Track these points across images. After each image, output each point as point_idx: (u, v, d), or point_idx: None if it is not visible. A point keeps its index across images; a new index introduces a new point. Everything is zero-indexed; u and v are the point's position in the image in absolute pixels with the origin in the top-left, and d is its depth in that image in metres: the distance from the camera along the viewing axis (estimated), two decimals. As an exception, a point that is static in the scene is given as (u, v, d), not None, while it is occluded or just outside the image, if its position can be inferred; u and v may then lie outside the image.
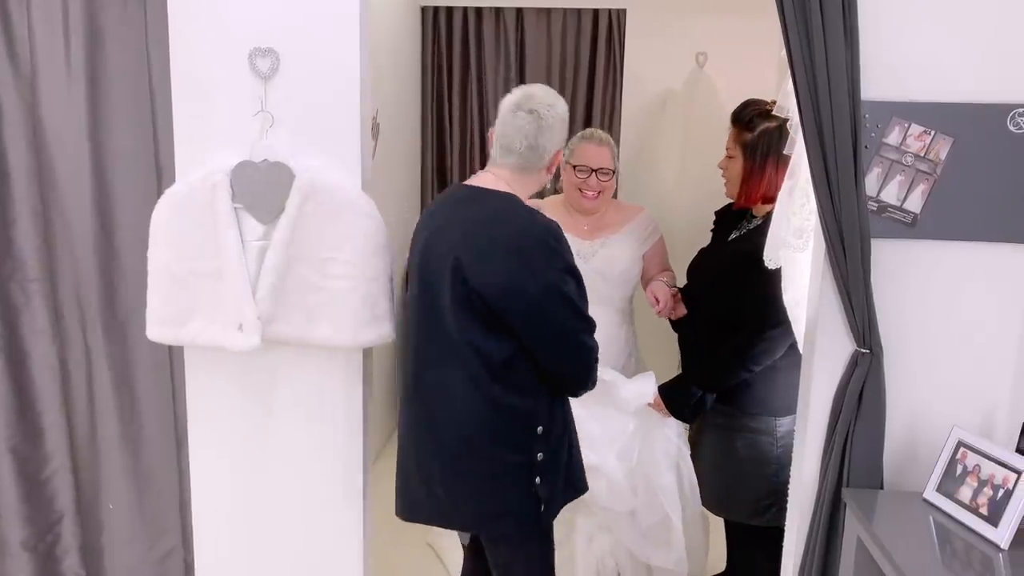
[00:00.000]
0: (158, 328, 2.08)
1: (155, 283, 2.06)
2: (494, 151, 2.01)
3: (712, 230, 2.64)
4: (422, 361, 1.97)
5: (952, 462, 1.76)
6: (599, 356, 2.00)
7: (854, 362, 1.86)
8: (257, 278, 2.00)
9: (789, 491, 2.10)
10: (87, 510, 2.51)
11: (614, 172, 2.66)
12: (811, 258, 1.98)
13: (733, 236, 2.48)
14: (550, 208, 2.67)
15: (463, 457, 1.93)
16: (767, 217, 2.27)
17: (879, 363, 1.83)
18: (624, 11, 4.16)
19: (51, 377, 2.42)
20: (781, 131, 2.29)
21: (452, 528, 2.09)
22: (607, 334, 2.50)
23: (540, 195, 2.69)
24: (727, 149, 2.46)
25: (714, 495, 2.57)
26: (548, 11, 4.21)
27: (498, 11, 4.23)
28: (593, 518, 2.60)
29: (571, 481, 2.06)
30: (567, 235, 2.43)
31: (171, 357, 2.37)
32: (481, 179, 2.00)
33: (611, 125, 4.26)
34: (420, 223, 2.06)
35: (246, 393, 2.20)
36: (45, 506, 2.48)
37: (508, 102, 1.98)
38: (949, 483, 1.75)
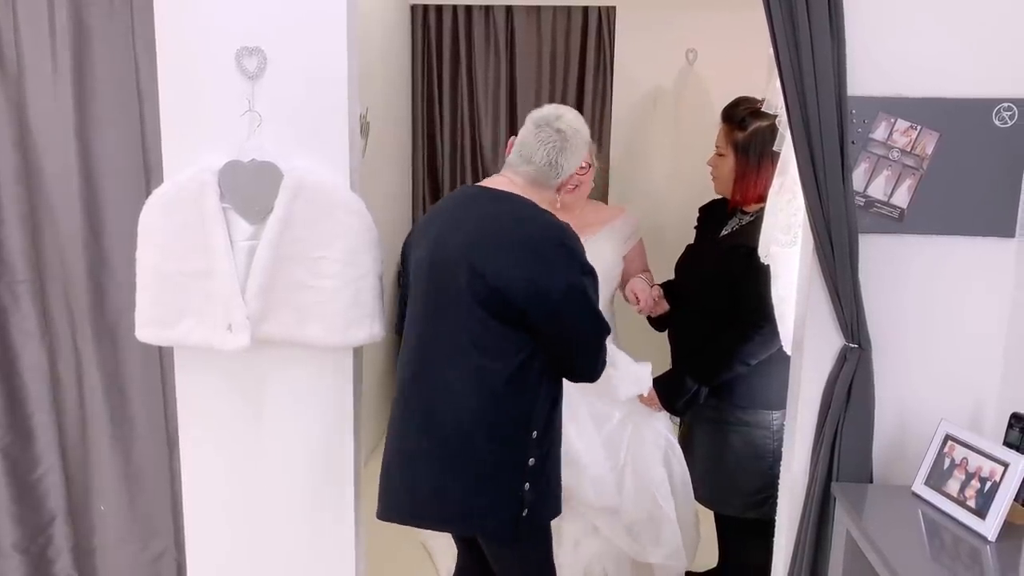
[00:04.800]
0: (147, 329, 2.08)
1: (144, 284, 2.05)
2: (512, 157, 2.01)
3: (696, 227, 2.64)
4: (426, 357, 1.96)
5: (940, 455, 1.77)
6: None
7: (843, 357, 1.87)
8: (246, 278, 2.00)
9: (779, 485, 2.11)
10: (79, 511, 2.51)
11: (591, 167, 2.62)
12: (799, 254, 1.98)
13: (725, 232, 2.48)
14: None
15: (458, 453, 1.92)
16: (759, 213, 2.28)
17: (867, 358, 1.84)
18: (614, 8, 4.17)
19: (41, 378, 2.41)
20: (773, 129, 2.28)
21: (427, 527, 2.10)
22: None
23: None
24: (717, 147, 2.44)
25: (710, 489, 2.57)
26: (538, 9, 4.22)
27: (488, 9, 4.23)
28: (579, 522, 2.58)
29: (555, 494, 2.06)
30: None
31: (161, 358, 2.36)
32: (496, 182, 2.01)
33: (602, 123, 4.27)
34: (427, 219, 2.06)
35: (237, 393, 2.20)
36: (37, 507, 2.48)
37: (537, 115, 2.00)
38: (937, 476, 1.76)
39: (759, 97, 2.31)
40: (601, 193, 4.28)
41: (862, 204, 1.83)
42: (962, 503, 1.69)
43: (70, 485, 2.49)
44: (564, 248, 1.89)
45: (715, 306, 2.41)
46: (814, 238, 1.82)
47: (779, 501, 2.10)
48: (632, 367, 2.49)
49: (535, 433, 1.93)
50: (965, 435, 1.74)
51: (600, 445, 2.49)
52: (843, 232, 1.77)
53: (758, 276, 2.18)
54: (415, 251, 2.02)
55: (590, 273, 1.92)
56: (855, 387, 1.85)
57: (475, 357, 1.89)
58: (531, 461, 1.93)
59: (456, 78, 4.37)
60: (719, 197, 2.57)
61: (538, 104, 4.14)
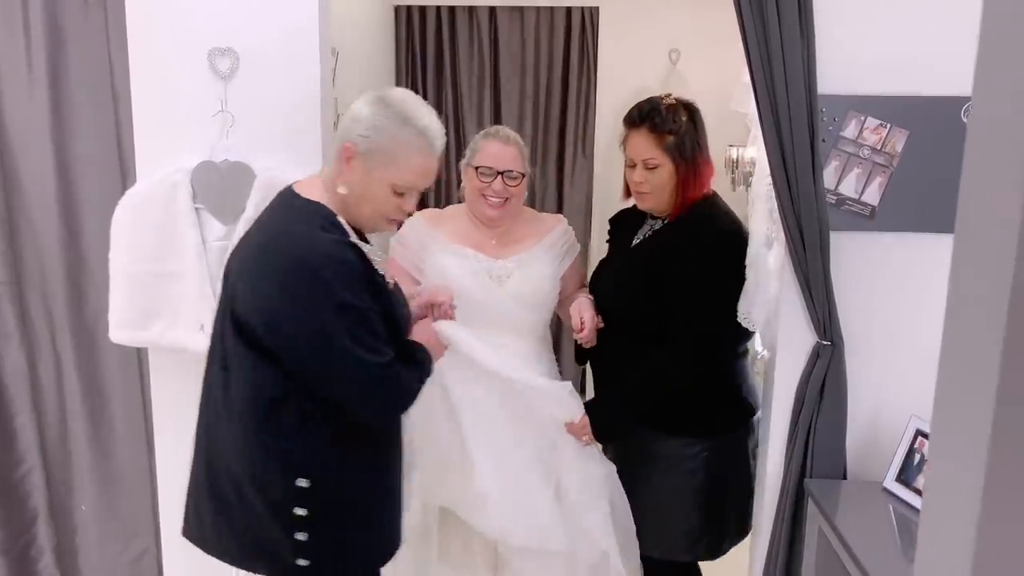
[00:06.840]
0: (121, 330, 2.07)
1: (117, 285, 2.05)
2: None
3: (608, 240, 2.37)
4: (207, 379, 1.72)
5: (911, 451, 1.78)
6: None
7: (816, 354, 1.88)
8: (219, 278, 2.00)
9: (755, 483, 2.12)
10: (60, 512, 2.51)
11: (524, 176, 2.18)
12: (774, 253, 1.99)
13: (637, 241, 2.20)
14: (451, 219, 2.27)
15: (223, 490, 1.67)
16: (675, 219, 2.09)
17: (840, 354, 1.85)
18: (597, 9, 4.17)
19: (20, 380, 2.41)
20: (695, 121, 2.08)
21: (223, 560, 1.74)
22: (528, 367, 2.14)
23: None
24: (645, 161, 2.07)
25: (681, 533, 2.17)
26: (521, 10, 4.22)
27: (471, 10, 4.23)
28: None
29: (358, 558, 1.73)
30: (473, 252, 2.16)
31: (139, 359, 2.36)
32: (308, 183, 1.71)
33: (586, 124, 4.27)
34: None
35: (212, 394, 2.19)
36: (18, 508, 2.47)
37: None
38: (908, 472, 1.77)
39: (663, 92, 2.14)
40: (587, 195, 4.29)
41: (833, 202, 1.84)
42: (932, 498, 1.69)
43: (51, 486, 2.49)
44: (313, 277, 1.52)
45: (639, 323, 2.12)
46: (786, 236, 1.83)
47: (755, 499, 2.11)
48: (552, 386, 2.09)
49: (303, 482, 1.61)
50: (935, 431, 1.75)
51: (533, 475, 2.09)
52: (814, 230, 1.79)
53: (684, 284, 2.01)
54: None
55: (349, 309, 1.55)
56: (828, 384, 1.86)
57: (233, 389, 1.63)
58: (299, 511, 1.62)
59: (440, 79, 4.37)
60: (628, 207, 2.31)
61: (522, 105, 4.21)
